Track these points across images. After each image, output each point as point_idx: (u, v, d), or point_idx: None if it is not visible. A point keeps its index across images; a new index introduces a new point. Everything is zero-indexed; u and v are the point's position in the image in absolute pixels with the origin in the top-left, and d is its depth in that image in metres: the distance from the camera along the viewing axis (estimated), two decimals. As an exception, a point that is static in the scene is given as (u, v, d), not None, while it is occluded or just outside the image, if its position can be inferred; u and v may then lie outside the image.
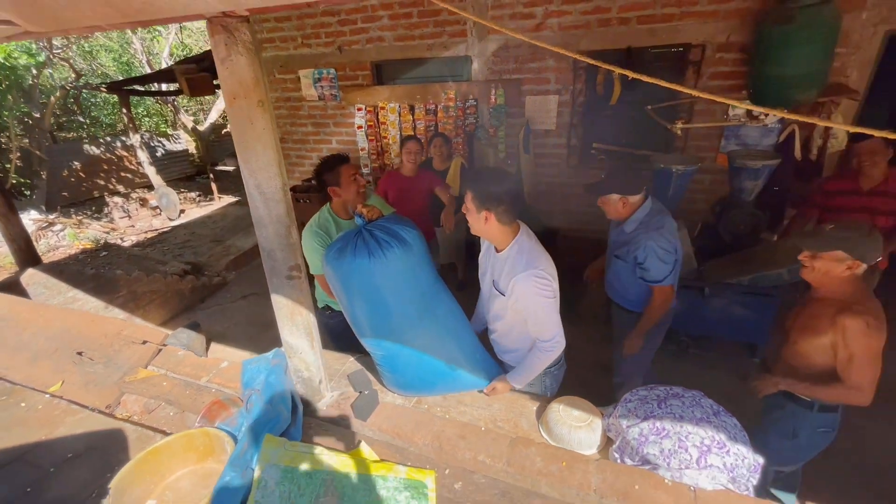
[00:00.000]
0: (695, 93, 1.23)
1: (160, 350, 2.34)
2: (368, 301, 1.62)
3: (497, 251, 1.70)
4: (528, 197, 4.19)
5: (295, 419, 1.65)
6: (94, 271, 4.28)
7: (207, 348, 2.48)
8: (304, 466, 1.38)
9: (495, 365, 1.94)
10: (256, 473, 1.35)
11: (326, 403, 1.86)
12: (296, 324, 1.68)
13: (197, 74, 4.71)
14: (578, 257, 3.11)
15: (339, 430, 1.75)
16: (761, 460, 1.53)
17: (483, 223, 1.60)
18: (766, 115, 3.18)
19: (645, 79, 1.21)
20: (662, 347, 3.31)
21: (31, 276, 3.75)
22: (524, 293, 1.58)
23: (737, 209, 3.13)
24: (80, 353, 2.36)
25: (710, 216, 3.47)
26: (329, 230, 2.13)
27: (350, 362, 2.16)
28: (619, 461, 1.62)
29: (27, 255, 3.93)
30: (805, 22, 2.79)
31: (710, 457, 1.47)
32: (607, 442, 1.72)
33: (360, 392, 1.88)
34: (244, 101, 1.32)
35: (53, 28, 0.91)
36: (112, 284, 4.12)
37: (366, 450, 1.56)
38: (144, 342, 2.38)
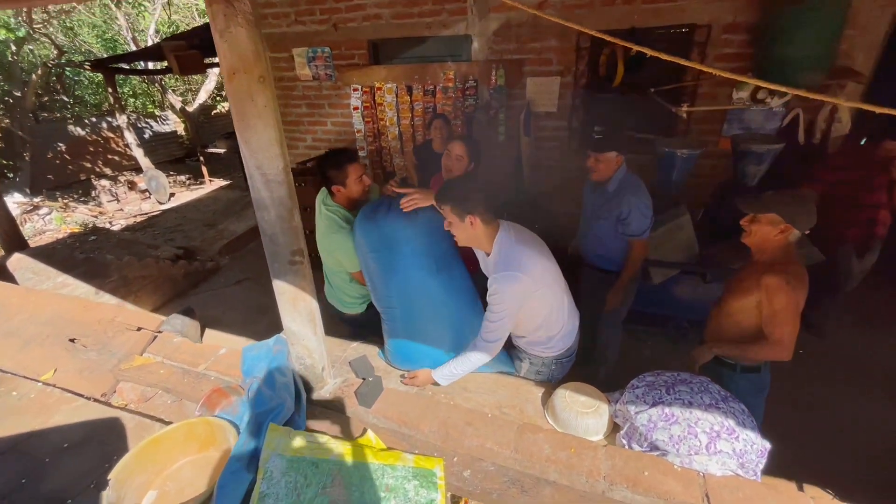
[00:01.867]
0: (705, 68, 1.21)
1: (155, 336, 2.29)
2: (394, 255, 1.78)
3: (487, 255, 1.74)
4: (526, 181, 4.13)
5: (299, 408, 1.61)
6: (84, 256, 4.16)
7: (202, 334, 2.42)
8: (310, 456, 1.35)
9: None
10: (261, 464, 1.32)
11: (329, 391, 1.82)
12: (298, 310, 1.63)
13: (187, 52, 4.53)
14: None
15: (343, 417, 1.72)
16: (768, 445, 1.54)
17: (471, 229, 1.63)
18: (771, 98, 3.13)
19: (649, 52, 1.20)
20: (662, 332, 3.31)
21: (18, 261, 3.64)
22: (493, 291, 1.64)
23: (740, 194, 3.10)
24: (72, 340, 2.30)
25: (710, 201, 3.44)
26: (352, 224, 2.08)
27: (351, 349, 2.13)
28: (626, 447, 1.61)
29: (13, 239, 3.82)
30: (816, 1, 2.73)
31: (720, 443, 1.46)
32: (614, 428, 1.71)
33: (364, 379, 1.85)
34: (244, 76, 1.25)
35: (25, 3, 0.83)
36: (103, 269, 4.02)
37: (372, 438, 1.53)
38: (139, 329, 2.32)
